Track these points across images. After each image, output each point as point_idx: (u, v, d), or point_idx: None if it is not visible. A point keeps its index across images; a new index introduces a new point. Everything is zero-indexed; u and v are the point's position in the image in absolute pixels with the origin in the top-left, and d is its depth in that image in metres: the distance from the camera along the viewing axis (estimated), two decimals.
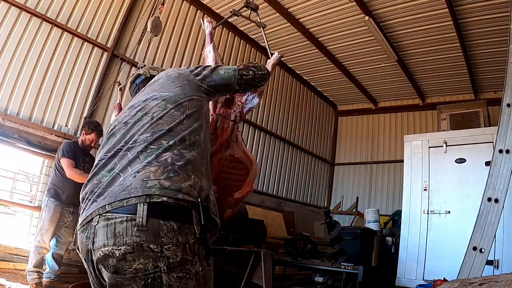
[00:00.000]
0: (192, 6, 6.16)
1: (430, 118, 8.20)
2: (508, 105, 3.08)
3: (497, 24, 5.48)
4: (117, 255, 0.94)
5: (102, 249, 0.96)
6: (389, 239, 5.17)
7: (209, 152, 1.35)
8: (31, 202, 7.56)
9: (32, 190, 10.78)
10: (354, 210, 8.02)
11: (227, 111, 2.01)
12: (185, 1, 6.05)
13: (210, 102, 1.89)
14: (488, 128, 4.82)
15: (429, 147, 4.90)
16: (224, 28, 6.65)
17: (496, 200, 2.94)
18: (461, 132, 4.84)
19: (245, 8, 2.61)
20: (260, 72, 1.59)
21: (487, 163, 3.64)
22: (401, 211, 5.09)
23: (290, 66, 8.11)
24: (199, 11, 6.25)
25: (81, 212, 1.11)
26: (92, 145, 3.76)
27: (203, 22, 2.27)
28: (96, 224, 0.99)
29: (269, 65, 2.16)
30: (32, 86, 4.36)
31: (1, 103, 4.12)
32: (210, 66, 1.50)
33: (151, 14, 4.50)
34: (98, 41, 4.94)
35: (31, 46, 4.35)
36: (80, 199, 1.14)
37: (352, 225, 7.57)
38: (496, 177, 2.99)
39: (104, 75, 4.95)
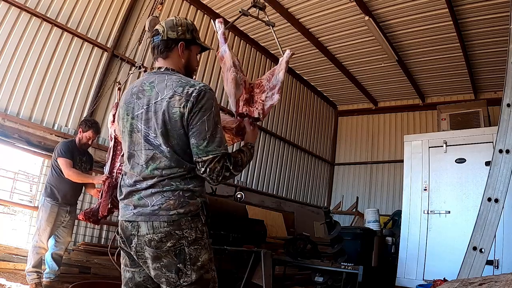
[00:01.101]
0: (192, 6, 6.16)
1: (430, 118, 8.20)
2: (508, 105, 3.08)
3: (497, 24, 5.48)
4: (157, 239, 1.41)
5: (147, 236, 1.42)
6: (389, 239, 5.16)
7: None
8: (31, 202, 7.56)
9: (32, 190, 10.79)
10: (354, 210, 8.02)
11: (249, 109, 2.03)
12: (185, 1, 6.06)
13: (233, 102, 2.01)
14: (488, 128, 4.82)
15: (429, 147, 4.89)
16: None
17: (496, 200, 2.94)
18: (461, 132, 4.84)
19: (253, 8, 2.63)
20: (243, 162, 1.60)
21: (487, 163, 3.64)
22: (401, 211, 5.09)
23: (290, 66, 8.09)
24: (199, 11, 6.25)
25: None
26: (89, 143, 3.73)
27: (215, 24, 2.26)
28: (138, 222, 1.46)
29: (283, 62, 2.13)
30: (32, 86, 4.36)
31: (1, 103, 4.12)
32: (203, 118, 1.43)
33: (151, 14, 4.49)
34: (98, 41, 4.94)
35: (31, 46, 4.35)
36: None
37: (352, 225, 7.58)
38: (496, 177, 2.98)
39: (104, 75, 4.95)
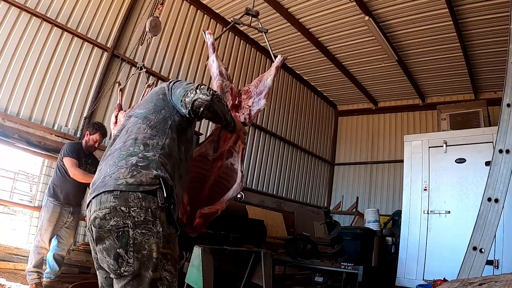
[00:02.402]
0: (192, 6, 6.16)
1: (430, 118, 8.20)
2: (508, 105, 3.07)
3: (497, 24, 5.48)
4: (101, 215, 1.27)
5: (93, 214, 1.31)
6: (389, 239, 5.17)
7: (182, 156, 1.56)
8: (31, 202, 7.57)
9: (32, 190, 10.79)
10: (354, 210, 8.02)
11: (235, 114, 2.05)
12: (185, 1, 6.06)
13: None
14: (488, 128, 4.82)
15: (429, 147, 4.90)
16: (224, 29, 6.64)
17: (496, 200, 2.94)
18: (461, 132, 4.84)
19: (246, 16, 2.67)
20: (225, 112, 1.60)
21: (487, 163, 3.64)
22: (401, 211, 5.09)
23: (290, 66, 8.11)
24: (199, 11, 6.25)
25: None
26: (96, 145, 3.74)
27: (204, 35, 2.35)
28: (91, 201, 1.37)
29: (273, 67, 2.20)
30: (32, 86, 4.36)
31: (1, 103, 4.12)
32: (180, 81, 1.66)
33: (151, 14, 4.50)
34: (98, 41, 4.94)
35: (31, 46, 4.35)
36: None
37: (352, 225, 7.58)
38: (496, 177, 2.98)
39: (104, 75, 4.95)
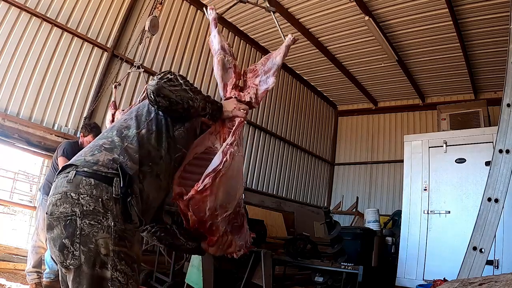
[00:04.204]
0: (192, 6, 6.16)
1: (430, 118, 8.20)
2: (508, 105, 3.07)
3: (497, 24, 5.48)
4: (53, 201, 1.20)
5: (49, 198, 1.24)
6: (389, 239, 5.16)
7: (162, 153, 1.42)
8: (31, 202, 7.57)
9: (32, 190, 10.80)
10: (354, 210, 8.01)
11: (239, 93, 1.80)
12: (185, 1, 6.06)
13: (220, 86, 1.79)
14: (488, 128, 4.81)
15: (429, 147, 4.89)
16: (224, 29, 6.65)
17: (496, 200, 2.93)
18: (461, 132, 4.83)
19: None
20: (184, 96, 1.38)
21: (487, 163, 3.64)
22: (401, 211, 5.09)
23: (290, 66, 8.11)
24: (199, 11, 6.25)
25: None
26: None
27: (206, 11, 2.17)
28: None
29: (283, 46, 1.99)
30: (32, 86, 4.36)
31: (1, 103, 4.12)
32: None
33: (150, 14, 4.50)
34: (98, 41, 4.94)
35: (31, 46, 4.35)
36: None
37: (352, 225, 7.57)
38: (496, 177, 2.98)
39: (104, 75, 4.95)
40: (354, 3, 5.50)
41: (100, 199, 1.16)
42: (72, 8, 4.71)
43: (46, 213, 1.23)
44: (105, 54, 5.01)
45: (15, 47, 4.23)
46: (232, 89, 1.79)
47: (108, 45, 5.03)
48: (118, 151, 1.29)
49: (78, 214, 1.13)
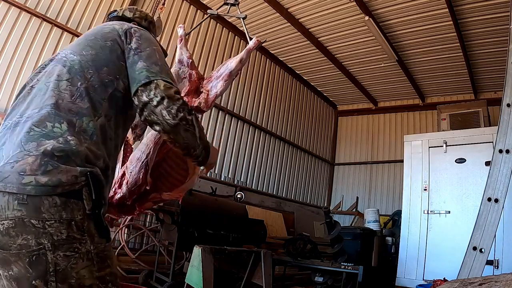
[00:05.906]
0: (192, 6, 6.16)
1: (430, 118, 8.21)
2: (508, 105, 3.08)
3: (497, 24, 5.48)
4: (1, 229, 0.86)
5: None
6: (389, 239, 5.17)
7: (118, 142, 1.21)
8: None
9: None
10: (354, 210, 8.02)
11: (191, 100, 1.90)
12: (185, 1, 6.06)
13: None
14: (488, 128, 4.82)
15: (429, 147, 4.90)
16: (224, 28, 6.65)
17: (496, 200, 2.94)
18: (461, 132, 4.84)
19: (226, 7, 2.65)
20: (192, 144, 1.21)
21: (487, 163, 3.64)
22: (401, 211, 5.09)
23: (290, 66, 8.11)
24: (199, 11, 6.25)
25: None
26: None
27: (178, 30, 2.32)
28: None
29: (244, 50, 2.06)
30: None
31: (1, 103, 4.12)
32: (145, 42, 1.25)
33: (153, 15, 4.50)
34: None
35: (31, 46, 4.34)
36: None
37: (352, 225, 7.58)
38: (496, 177, 2.99)
39: None
40: (354, 3, 5.51)
41: (72, 222, 0.90)
42: (72, 8, 4.70)
43: None
44: None
45: (15, 47, 4.22)
46: (184, 95, 1.93)
47: None
48: (78, 159, 0.96)
49: (48, 247, 0.87)
